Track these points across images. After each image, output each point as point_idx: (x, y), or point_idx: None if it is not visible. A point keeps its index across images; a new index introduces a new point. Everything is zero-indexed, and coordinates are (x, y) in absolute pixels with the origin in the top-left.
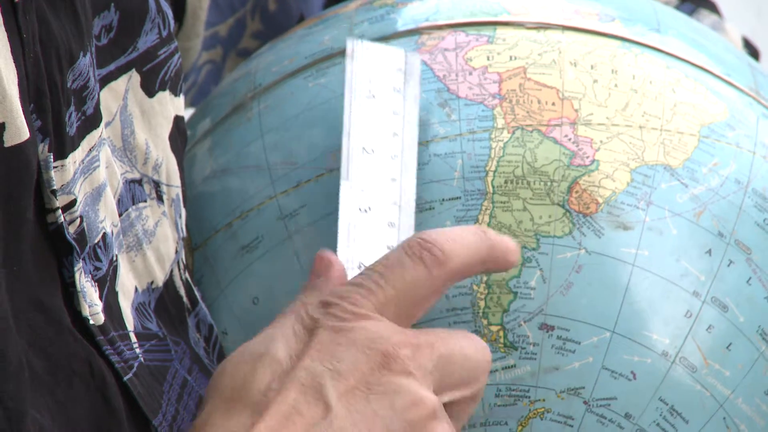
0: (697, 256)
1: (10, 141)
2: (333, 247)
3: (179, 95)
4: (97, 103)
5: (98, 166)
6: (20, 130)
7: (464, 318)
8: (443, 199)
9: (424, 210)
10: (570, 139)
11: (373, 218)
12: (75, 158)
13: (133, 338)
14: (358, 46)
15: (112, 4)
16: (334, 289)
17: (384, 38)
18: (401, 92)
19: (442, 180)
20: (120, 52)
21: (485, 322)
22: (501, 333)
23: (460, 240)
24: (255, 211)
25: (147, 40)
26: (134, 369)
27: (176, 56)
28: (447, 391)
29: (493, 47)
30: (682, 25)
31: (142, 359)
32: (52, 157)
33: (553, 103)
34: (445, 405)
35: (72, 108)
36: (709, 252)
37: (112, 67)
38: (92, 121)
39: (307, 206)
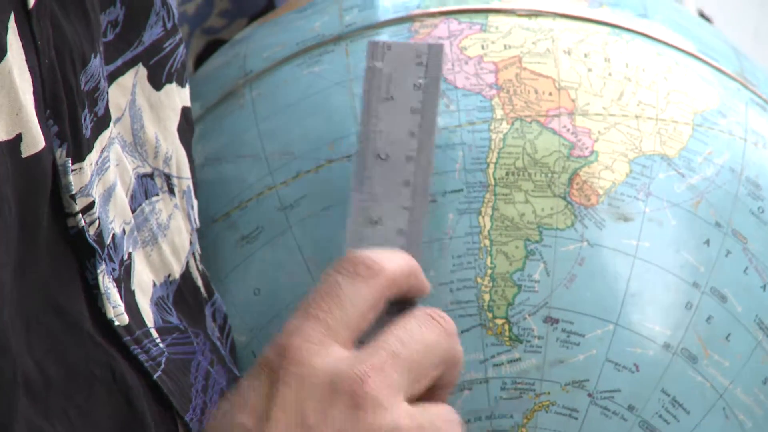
0: (695, 246)
1: (27, 151)
2: (337, 239)
3: (185, 86)
4: (107, 103)
5: (109, 166)
6: (36, 140)
7: (469, 311)
8: (445, 192)
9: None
10: (569, 130)
11: (383, 230)
12: (91, 160)
13: (155, 334)
14: (380, 49)
15: (118, 0)
16: (285, 328)
17: (375, 26)
18: (421, 88)
19: (443, 172)
20: (126, 47)
21: (490, 315)
22: (506, 326)
23: (387, 254)
24: (254, 201)
25: (152, 33)
26: (162, 366)
27: (181, 47)
28: (422, 381)
29: (486, 36)
30: (667, 10)
31: (167, 354)
32: (70, 161)
33: (550, 93)
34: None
35: (86, 110)
36: (707, 242)
37: (119, 62)
38: (103, 121)
39: (308, 197)
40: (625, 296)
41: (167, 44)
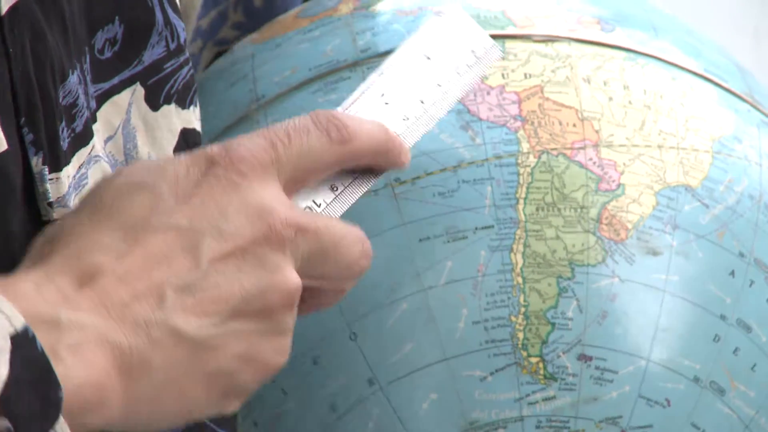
0: (722, 278)
1: None
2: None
3: (189, 107)
4: (87, 121)
5: (87, 183)
6: None
7: (504, 350)
8: (476, 228)
9: (458, 239)
10: (595, 163)
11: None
12: (68, 173)
13: None
14: (452, 11)
15: (117, 17)
16: (238, 138)
17: (391, 52)
18: (460, 73)
19: (473, 208)
20: (124, 66)
21: (524, 354)
22: (540, 365)
23: (365, 127)
24: None
25: (153, 53)
26: None
27: (185, 68)
28: (310, 279)
29: (506, 64)
30: (673, 27)
31: None
32: (47, 169)
33: (574, 125)
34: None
35: (63, 123)
36: (732, 273)
37: (115, 80)
38: (81, 138)
39: None
40: (656, 331)
41: (168, 65)
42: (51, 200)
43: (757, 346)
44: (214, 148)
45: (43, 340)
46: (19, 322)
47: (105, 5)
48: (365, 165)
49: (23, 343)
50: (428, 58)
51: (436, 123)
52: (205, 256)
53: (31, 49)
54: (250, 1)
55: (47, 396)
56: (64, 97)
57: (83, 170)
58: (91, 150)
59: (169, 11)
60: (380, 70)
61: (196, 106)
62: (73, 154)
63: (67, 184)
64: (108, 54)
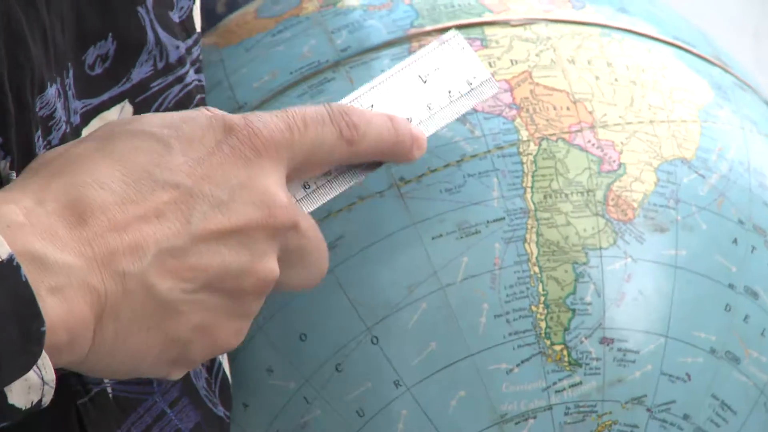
0: (726, 247)
1: None
2: (380, 279)
3: None
4: (65, 136)
5: None
6: None
7: (527, 340)
8: (488, 221)
9: (471, 234)
10: (594, 144)
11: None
12: None
13: None
14: (455, 40)
15: (110, 34)
16: (258, 113)
17: (373, 48)
18: (452, 99)
19: (482, 201)
20: (114, 83)
21: (548, 342)
22: (564, 352)
23: (375, 127)
24: None
25: (141, 71)
26: (91, 394)
27: (176, 88)
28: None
29: (490, 52)
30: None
31: (109, 389)
32: (15, 175)
33: (568, 108)
34: None
35: (39, 133)
36: (735, 241)
37: (105, 96)
38: None
39: (345, 237)
40: (672, 307)
41: (155, 84)
42: None
43: (765, 312)
44: (234, 117)
45: (27, 276)
46: (5, 251)
47: (98, 21)
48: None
49: (7, 273)
50: (423, 81)
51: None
52: (197, 222)
53: (10, 52)
54: (212, 8)
55: (29, 330)
56: (41, 108)
57: None
58: None
59: (159, 30)
60: (372, 84)
61: None
62: None
63: None
64: (98, 70)
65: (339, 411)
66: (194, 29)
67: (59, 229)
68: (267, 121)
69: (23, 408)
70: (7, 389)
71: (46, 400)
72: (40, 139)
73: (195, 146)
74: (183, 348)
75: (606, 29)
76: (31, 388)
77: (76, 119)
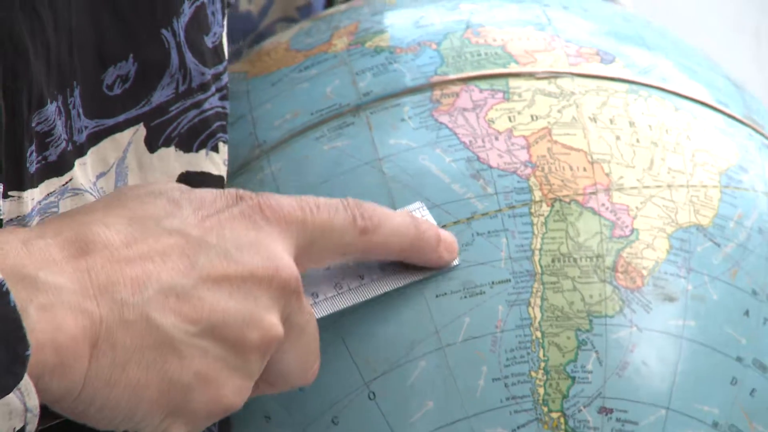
0: (737, 318)
1: None
2: (382, 331)
3: (197, 151)
4: (64, 153)
5: (56, 211)
6: None
7: (525, 406)
8: (493, 282)
9: (475, 294)
10: (607, 208)
11: None
12: (33, 195)
13: None
14: (418, 212)
15: (131, 55)
16: (276, 196)
17: (395, 95)
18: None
19: (489, 262)
20: (133, 104)
21: (545, 409)
22: (562, 420)
23: (391, 222)
24: None
25: (162, 94)
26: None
27: (191, 113)
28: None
29: (511, 105)
30: (666, 45)
31: None
32: (1, 186)
33: (584, 169)
34: None
35: (33, 147)
36: (747, 313)
37: (120, 118)
38: (55, 169)
39: None
40: (675, 379)
41: (174, 108)
42: (2, 217)
43: None
44: (244, 192)
45: (16, 296)
46: None
47: (119, 42)
48: (395, 259)
49: None
50: None
51: (351, 305)
52: (202, 267)
53: (8, 62)
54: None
55: (15, 351)
56: (38, 123)
57: (53, 198)
58: (68, 182)
59: (188, 54)
60: None
61: (214, 150)
62: (41, 180)
63: (30, 206)
64: (117, 90)
65: None
66: (224, 55)
67: (57, 256)
68: (279, 198)
69: None
70: None
71: (30, 429)
72: (34, 154)
73: (206, 206)
74: (183, 395)
75: (633, 85)
76: (13, 413)
77: (80, 138)
